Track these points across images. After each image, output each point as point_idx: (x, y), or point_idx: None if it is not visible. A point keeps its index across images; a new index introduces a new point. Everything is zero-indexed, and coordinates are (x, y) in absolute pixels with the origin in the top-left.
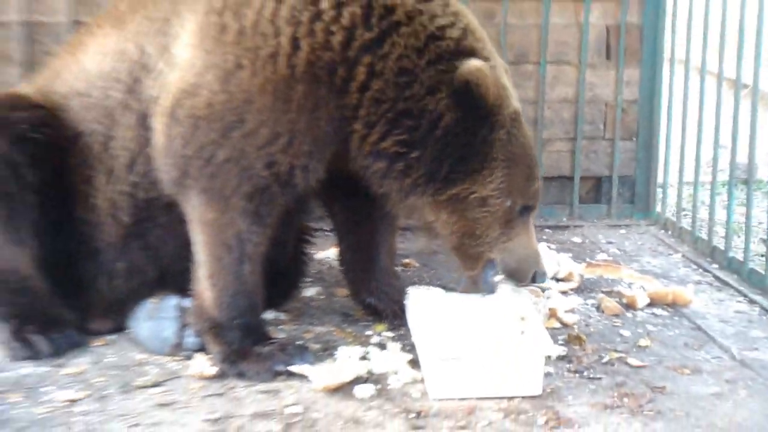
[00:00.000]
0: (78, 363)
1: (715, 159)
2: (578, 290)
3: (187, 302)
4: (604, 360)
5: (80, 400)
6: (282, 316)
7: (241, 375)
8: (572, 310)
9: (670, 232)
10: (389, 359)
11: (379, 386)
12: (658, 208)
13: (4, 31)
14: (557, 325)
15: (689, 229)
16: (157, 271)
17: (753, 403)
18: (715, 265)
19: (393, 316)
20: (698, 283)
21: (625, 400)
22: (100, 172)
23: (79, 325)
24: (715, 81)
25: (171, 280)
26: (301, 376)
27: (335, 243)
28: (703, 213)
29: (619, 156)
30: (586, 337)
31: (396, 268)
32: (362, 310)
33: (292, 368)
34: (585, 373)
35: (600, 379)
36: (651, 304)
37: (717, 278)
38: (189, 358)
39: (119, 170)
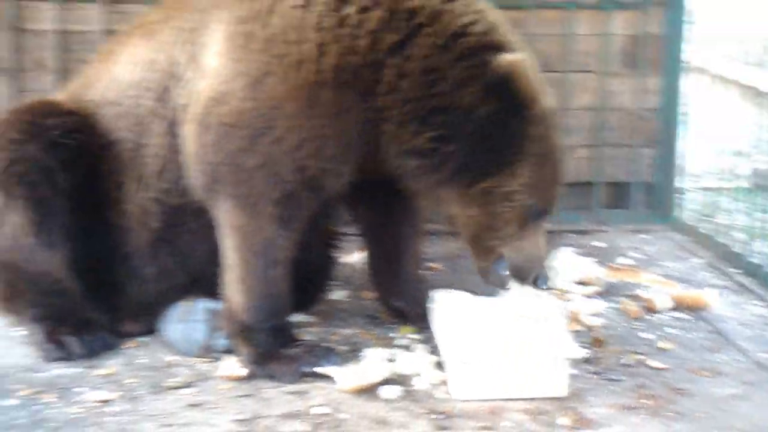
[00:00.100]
0: (110, 364)
1: (734, 166)
2: (600, 294)
3: (216, 305)
4: (626, 362)
5: (112, 400)
6: (309, 318)
7: (269, 376)
8: (595, 314)
9: (690, 237)
10: (415, 361)
11: (404, 387)
12: (679, 214)
13: (39, 40)
14: (580, 327)
15: (709, 234)
16: (187, 274)
17: None
18: (735, 270)
19: (418, 318)
20: (718, 287)
21: (646, 401)
22: (131, 178)
23: (110, 327)
24: (734, 89)
25: (201, 284)
26: (328, 378)
27: (361, 247)
28: (722, 218)
29: (641, 162)
30: (608, 339)
31: (421, 272)
32: (388, 313)
33: (320, 370)
34: (607, 375)
35: (621, 380)
36: (672, 308)
37: (736, 282)
38: (218, 359)
39: (149, 177)
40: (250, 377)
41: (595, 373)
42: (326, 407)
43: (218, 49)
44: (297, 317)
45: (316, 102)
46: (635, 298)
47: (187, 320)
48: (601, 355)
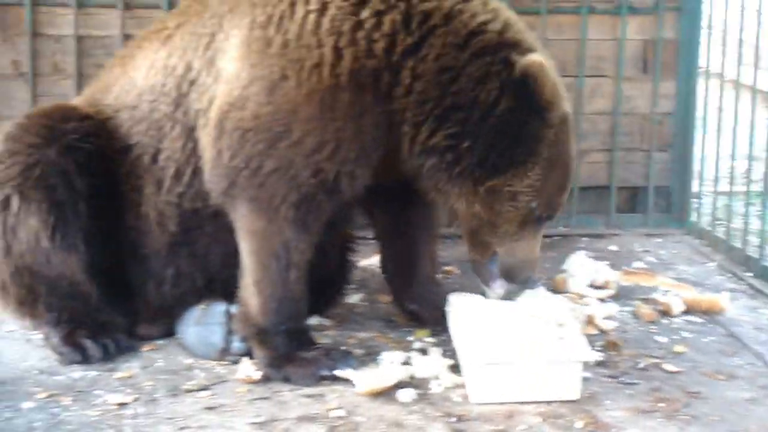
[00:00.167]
0: (128, 367)
1: (749, 170)
2: (615, 297)
3: (234, 308)
4: (641, 365)
5: (129, 403)
6: (326, 321)
7: (286, 379)
8: (609, 317)
9: (704, 242)
10: (431, 364)
11: (420, 391)
12: (693, 218)
13: (58, 45)
14: (595, 331)
15: (724, 238)
16: (205, 278)
17: None
18: (749, 274)
19: (434, 322)
20: (732, 291)
21: (661, 404)
22: (149, 182)
23: (128, 330)
24: (748, 94)
25: (218, 287)
26: (345, 381)
27: (378, 250)
28: (737, 223)
29: (655, 167)
30: (623, 343)
31: (437, 276)
32: (404, 316)
33: (336, 373)
34: (622, 379)
35: (636, 384)
36: (686, 312)
37: (751, 286)
38: (236, 362)
39: (167, 181)
40: (266, 380)
41: (610, 376)
42: (343, 410)
43: (235, 54)
44: (313, 320)
45: (333, 105)
46: (650, 301)
47: (204, 323)
48: (617, 358)
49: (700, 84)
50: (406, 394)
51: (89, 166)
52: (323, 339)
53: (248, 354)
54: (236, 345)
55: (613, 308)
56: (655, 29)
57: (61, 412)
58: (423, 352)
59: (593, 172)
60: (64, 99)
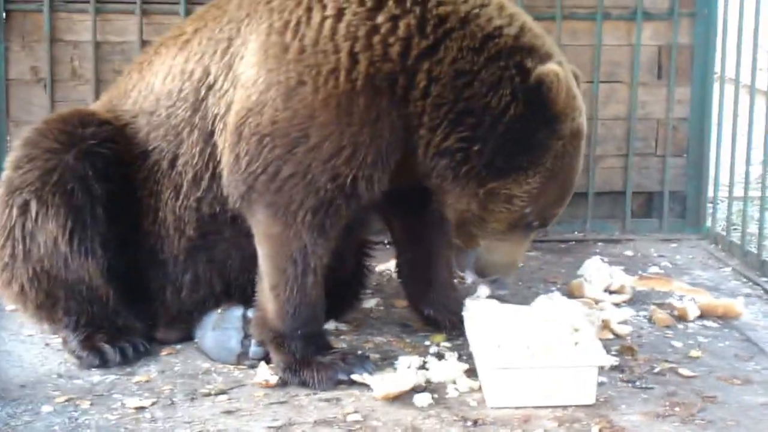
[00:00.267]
0: (146, 371)
1: (764, 175)
2: (630, 302)
3: (251, 313)
4: (656, 370)
5: (148, 407)
6: (343, 326)
7: (303, 383)
8: (625, 322)
9: (720, 246)
10: (447, 369)
11: (437, 395)
12: (709, 223)
13: (76, 51)
14: (610, 336)
15: (739, 243)
16: (222, 282)
17: None
18: (765, 279)
19: (451, 326)
20: (748, 295)
21: (677, 409)
22: (167, 187)
23: (146, 335)
24: (764, 99)
25: (236, 292)
26: (362, 385)
27: (394, 255)
28: (752, 228)
29: (670, 172)
30: (639, 347)
31: (453, 280)
32: (421, 321)
33: (353, 377)
34: (637, 383)
35: (652, 388)
36: (701, 316)
37: (766, 291)
38: (253, 367)
39: (185, 186)
40: (283, 384)
41: (626, 381)
42: (359, 414)
43: (252, 60)
44: (330, 325)
45: (350, 110)
46: (665, 306)
47: (221, 328)
48: (632, 363)
49: (715, 89)
50: (422, 399)
51: (107, 171)
52: (340, 343)
53: (265, 358)
54: (253, 349)
55: (628, 313)
56: (670, 35)
57: (80, 416)
58: (439, 356)
59: (608, 177)
60: (82, 104)
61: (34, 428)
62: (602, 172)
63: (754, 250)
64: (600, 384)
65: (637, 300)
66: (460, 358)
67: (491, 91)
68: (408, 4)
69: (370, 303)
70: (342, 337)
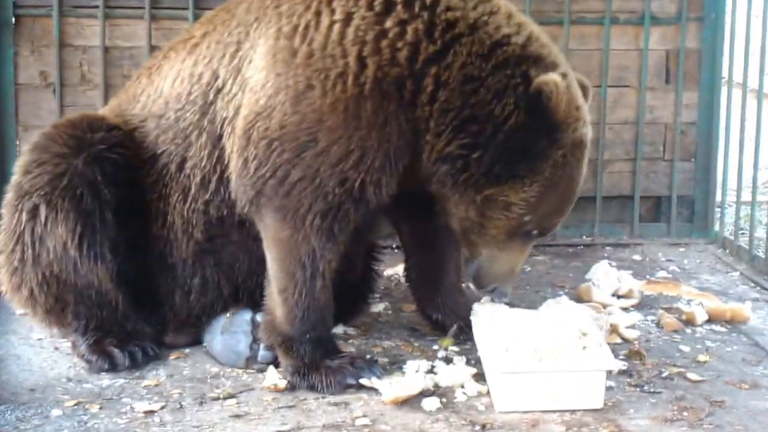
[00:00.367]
0: (155, 375)
1: None
2: (638, 307)
3: (260, 317)
4: (664, 374)
5: (157, 411)
6: (351, 330)
7: (311, 387)
8: (633, 326)
9: (728, 251)
10: (455, 373)
11: (445, 399)
12: (717, 227)
13: (85, 56)
14: (618, 340)
15: (747, 247)
16: (230, 285)
17: None
18: None
19: (458, 331)
20: (756, 300)
21: (685, 413)
22: (175, 190)
23: (155, 339)
24: None
25: (244, 295)
26: (370, 389)
27: (403, 260)
28: (760, 232)
29: (678, 176)
30: (647, 352)
31: (462, 285)
32: (429, 326)
33: (362, 381)
34: (645, 387)
35: (660, 393)
36: (710, 321)
37: None
38: (262, 371)
39: (193, 189)
40: (292, 388)
41: (634, 385)
42: (368, 418)
43: (261, 64)
44: (338, 329)
45: (358, 114)
46: (673, 310)
47: (230, 332)
48: (640, 367)
49: (723, 93)
50: (430, 403)
51: (116, 175)
52: (348, 347)
53: (274, 362)
54: (262, 353)
55: (636, 317)
56: (678, 39)
57: (89, 420)
58: (447, 360)
59: (617, 181)
60: (91, 109)
61: None
62: (610, 176)
63: (762, 255)
64: (608, 388)
65: (645, 304)
66: (468, 363)
67: (495, 99)
68: (416, 9)
69: (378, 307)
70: (350, 341)
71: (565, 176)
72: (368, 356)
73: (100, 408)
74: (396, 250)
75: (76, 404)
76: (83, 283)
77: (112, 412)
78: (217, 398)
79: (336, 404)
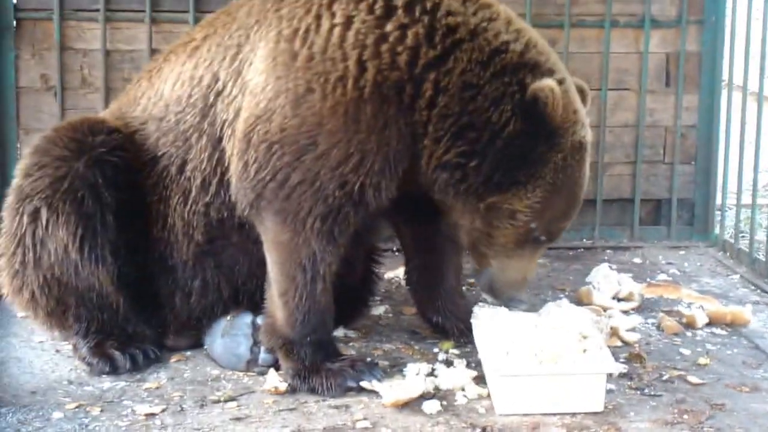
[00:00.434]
0: (156, 378)
1: None
2: (639, 310)
3: (260, 320)
4: (665, 377)
5: (158, 414)
6: (352, 333)
7: (312, 390)
8: (633, 329)
9: (728, 254)
10: (456, 376)
11: (445, 402)
12: (717, 230)
13: (86, 59)
14: (619, 343)
15: (747, 250)
16: (231, 288)
17: None
18: None
19: (459, 334)
20: (756, 303)
21: (686, 416)
22: (176, 193)
23: (156, 342)
24: None
25: (244, 298)
26: (371, 392)
27: (403, 263)
28: (760, 235)
29: (679, 179)
30: (647, 355)
31: (462, 288)
32: (429, 328)
33: (362, 384)
34: (646, 390)
35: (660, 396)
36: (710, 324)
37: None
38: (262, 373)
39: (194, 191)
40: (293, 391)
41: (634, 388)
42: (368, 421)
43: (261, 67)
44: (339, 332)
45: (358, 117)
46: (674, 314)
47: (230, 334)
48: (641, 370)
49: (723, 96)
50: (431, 406)
51: (117, 178)
52: (349, 350)
53: (275, 365)
54: (263, 356)
55: (636, 320)
56: (678, 42)
57: (90, 423)
58: (448, 363)
59: (617, 184)
60: (91, 112)
61: None
62: (610, 179)
63: (763, 258)
64: (608, 391)
65: (645, 307)
66: (468, 366)
67: (493, 106)
68: (417, 14)
69: (378, 310)
70: (351, 344)
71: (568, 180)
72: (369, 359)
73: (101, 411)
74: (396, 253)
75: (77, 407)
76: (84, 286)
77: (113, 415)
78: (218, 401)
79: (336, 407)
